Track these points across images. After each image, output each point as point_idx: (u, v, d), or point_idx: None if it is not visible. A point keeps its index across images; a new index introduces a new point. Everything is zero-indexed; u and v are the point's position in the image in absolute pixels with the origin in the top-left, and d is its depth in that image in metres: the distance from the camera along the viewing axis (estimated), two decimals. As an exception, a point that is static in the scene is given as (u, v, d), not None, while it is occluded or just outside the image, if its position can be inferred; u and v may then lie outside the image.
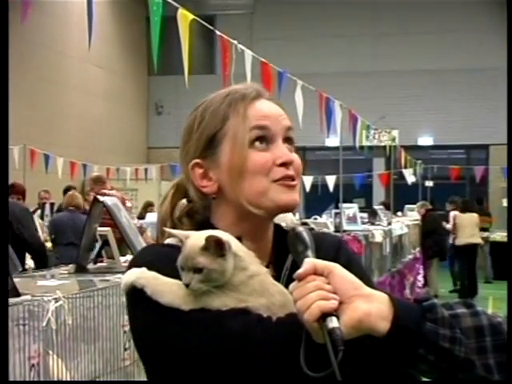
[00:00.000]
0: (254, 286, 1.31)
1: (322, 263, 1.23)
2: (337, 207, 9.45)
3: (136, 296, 1.33)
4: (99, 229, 3.78)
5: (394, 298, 1.22)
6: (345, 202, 8.76)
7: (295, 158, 1.44)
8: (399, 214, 14.14)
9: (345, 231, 7.94)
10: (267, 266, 1.39)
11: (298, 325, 1.22)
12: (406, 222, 12.29)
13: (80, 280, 3.25)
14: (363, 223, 9.40)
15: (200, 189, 1.47)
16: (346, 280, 1.22)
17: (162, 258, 1.37)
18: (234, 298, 1.30)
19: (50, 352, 2.48)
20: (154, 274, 1.32)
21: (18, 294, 2.42)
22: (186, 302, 1.29)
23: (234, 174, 1.41)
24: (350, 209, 8.85)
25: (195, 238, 1.31)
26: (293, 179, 1.43)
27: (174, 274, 1.32)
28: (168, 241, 1.46)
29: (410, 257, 11.83)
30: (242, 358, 1.27)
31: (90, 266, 3.71)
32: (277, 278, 1.39)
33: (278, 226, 1.51)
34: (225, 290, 1.30)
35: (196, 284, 1.29)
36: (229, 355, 1.27)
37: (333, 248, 1.51)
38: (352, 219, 8.73)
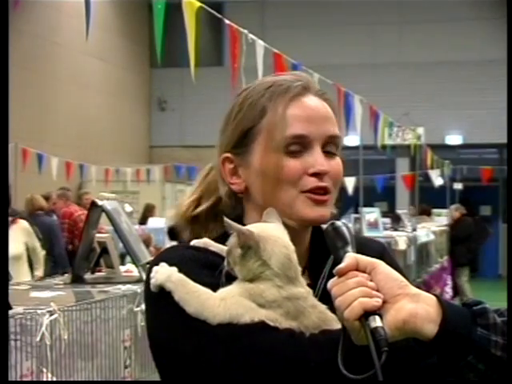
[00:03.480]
0: (289, 309, 1.31)
1: (365, 259, 1.24)
2: (356, 211, 9.44)
3: (163, 299, 1.33)
4: (97, 235, 3.80)
5: (442, 300, 1.22)
6: (365, 205, 8.76)
7: (332, 167, 1.44)
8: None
9: (365, 238, 7.91)
10: (302, 273, 1.39)
11: (333, 342, 1.22)
12: (433, 228, 12.25)
13: (76, 291, 3.26)
14: (385, 229, 9.40)
15: (229, 185, 1.49)
16: (390, 278, 1.22)
17: (187, 262, 1.37)
18: (264, 315, 1.30)
19: (44, 370, 2.49)
20: (182, 278, 1.33)
21: (9, 307, 2.42)
22: (213, 315, 1.30)
23: (263, 178, 1.43)
24: (371, 213, 8.83)
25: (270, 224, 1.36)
26: (325, 192, 1.42)
27: (200, 281, 1.32)
28: (194, 242, 1.46)
29: (437, 266, 11.79)
30: (269, 376, 1.26)
31: (88, 275, 3.72)
32: (312, 285, 1.39)
33: (315, 227, 1.51)
34: (256, 307, 1.30)
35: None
36: (255, 372, 1.26)
37: (376, 253, 1.50)
38: (373, 225, 8.72)
